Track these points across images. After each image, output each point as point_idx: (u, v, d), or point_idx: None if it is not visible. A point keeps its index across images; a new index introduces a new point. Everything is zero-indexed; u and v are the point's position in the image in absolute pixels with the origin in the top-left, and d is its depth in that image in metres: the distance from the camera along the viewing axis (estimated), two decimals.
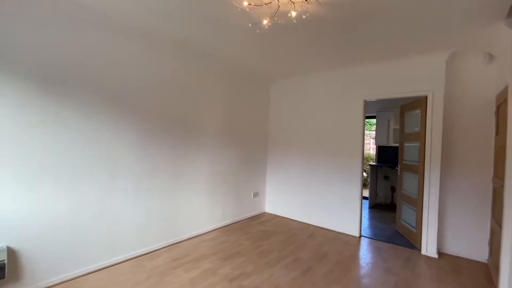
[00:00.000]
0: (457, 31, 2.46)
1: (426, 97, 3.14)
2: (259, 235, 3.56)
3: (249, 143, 4.27)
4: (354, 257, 2.96)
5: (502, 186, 2.23)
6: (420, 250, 3.16)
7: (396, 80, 3.29)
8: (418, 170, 3.27)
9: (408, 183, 3.60)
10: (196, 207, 3.41)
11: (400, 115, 3.92)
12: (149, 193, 2.85)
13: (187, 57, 3.20)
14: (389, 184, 5.65)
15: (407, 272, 2.63)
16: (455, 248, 3.07)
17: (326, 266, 2.70)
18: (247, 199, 4.28)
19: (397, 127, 5.19)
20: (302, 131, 4.24)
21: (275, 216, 4.49)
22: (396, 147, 5.40)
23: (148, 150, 2.82)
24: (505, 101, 2.41)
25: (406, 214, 3.62)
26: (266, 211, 4.68)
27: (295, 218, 4.31)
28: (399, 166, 3.87)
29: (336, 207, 3.82)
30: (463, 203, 3.00)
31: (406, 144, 3.70)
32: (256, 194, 4.45)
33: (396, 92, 3.29)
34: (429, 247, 3.03)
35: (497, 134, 2.70)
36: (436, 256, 2.99)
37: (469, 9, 2.08)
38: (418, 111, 3.35)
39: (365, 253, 3.08)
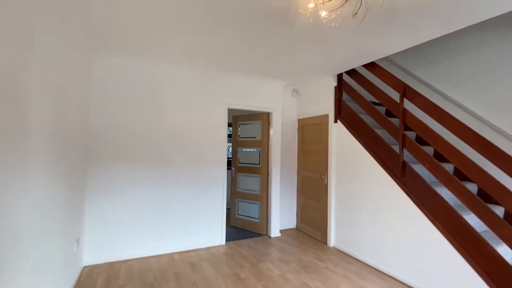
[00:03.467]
0: (293, 73, 3.56)
1: (268, 113, 4.00)
2: None
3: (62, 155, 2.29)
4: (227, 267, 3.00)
5: (324, 176, 3.68)
6: (267, 234, 3.95)
7: (252, 95, 3.78)
8: (261, 171, 4.04)
9: (245, 182, 4.23)
10: None
11: (233, 124, 4.45)
12: None
13: None
14: None
15: (267, 247, 3.28)
16: (283, 224, 4.26)
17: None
18: (60, 259, 2.27)
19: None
20: (150, 135, 3.16)
21: (116, 263, 2.85)
22: None
23: None
24: (307, 125, 3.99)
25: (244, 209, 4.23)
26: (96, 263, 2.77)
27: (149, 254, 3.09)
28: (233, 169, 4.38)
29: (201, 222, 3.42)
30: (284, 190, 4.27)
31: (242, 150, 4.31)
32: (77, 243, 2.49)
33: (252, 105, 3.78)
34: (273, 230, 3.92)
35: (302, 143, 4.26)
36: (279, 234, 3.95)
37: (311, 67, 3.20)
38: (257, 123, 4.12)
39: (236, 254, 3.21)
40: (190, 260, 3.05)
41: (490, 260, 1.96)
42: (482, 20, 1.96)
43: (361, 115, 3.34)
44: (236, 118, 4.38)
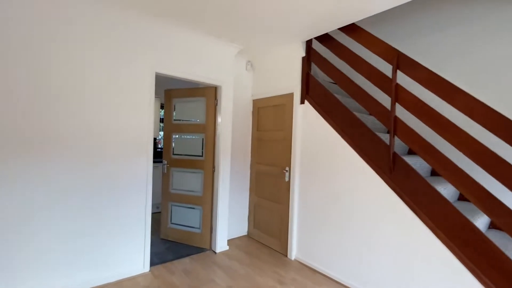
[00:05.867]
0: (248, 34, 2.66)
1: (216, 88, 2.99)
2: None
3: None
4: None
5: (286, 170, 2.91)
6: (211, 249, 2.99)
7: (192, 59, 2.70)
8: (205, 165, 3.03)
9: (182, 180, 3.16)
10: None
11: (166, 101, 3.27)
12: None
13: None
14: None
15: (211, 270, 2.39)
16: (231, 231, 3.34)
17: None
18: None
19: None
20: (19, 110, 1.80)
21: None
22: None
23: None
24: (264, 107, 3.21)
25: (180, 216, 3.16)
26: None
27: None
28: (165, 162, 3.23)
29: (110, 243, 2.23)
30: (233, 188, 3.35)
31: (178, 136, 3.20)
32: None
33: (192, 73, 2.70)
34: (219, 243, 2.98)
35: (258, 130, 3.40)
36: (227, 247, 3.03)
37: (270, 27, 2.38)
38: (200, 100, 3.07)
39: (165, 286, 2.22)
40: None
41: None
42: None
43: (336, 95, 2.64)
44: (170, 93, 3.23)
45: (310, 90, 2.73)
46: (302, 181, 2.77)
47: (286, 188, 2.93)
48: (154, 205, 4.32)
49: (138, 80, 2.34)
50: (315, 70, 3.34)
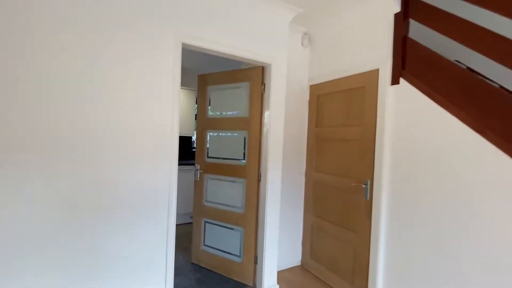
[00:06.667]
0: None
1: (263, 68, 2.19)
2: None
3: None
4: None
5: (365, 185, 1.98)
6: (254, 285, 2.22)
7: (232, 25, 1.92)
8: (247, 171, 2.25)
9: (219, 190, 2.43)
10: None
11: (199, 89, 2.58)
12: None
13: None
14: None
15: None
16: (280, 260, 2.53)
17: None
18: None
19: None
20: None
21: None
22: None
23: None
24: (328, 94, 2.33)
25: (215, 237, 2.44)
26: None
27: None
28: (198, 167, 2.55)
29: (115, 284, 1.58)
30: (282, 202, 2.52)
31: (214, 134, 2.48)
32: None
33: (232, 46, 1.93)
34: (267, 278, 2.18)
35: (316, 126, 2.51)
36: (276, 286, 2.22)
37: None
38: (242, 86, 2.30)
39: None
40: None
41: None
42: None
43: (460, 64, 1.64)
44: (205, 79, 2.53)
45: (409, 63, 1.76)
46: (394, 203, 1.82)
47: (364, 210, 2.00)
48: (187, 214, 3.72)
49: (157, 55, 1.64)
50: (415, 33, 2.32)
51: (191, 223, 3.70)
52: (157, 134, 1.66)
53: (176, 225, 3.75)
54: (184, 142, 4.25)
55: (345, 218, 2.18)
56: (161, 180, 1.68)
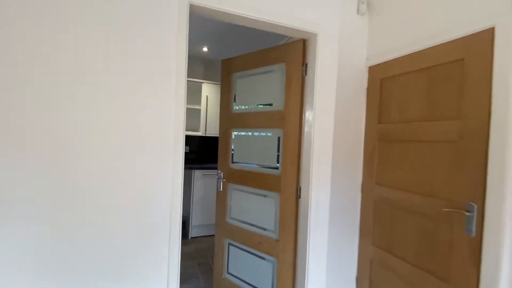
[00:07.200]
0: None
1: (304, 41, 1.60)
2: None
3: None
4: None
5: (468, 212, 1.25)
6: None
7: None
8: (282, 183, 1.68)
9: (245, 206, 1.90)
10: None
11: (223, 78, 2.08)
12: None
13: None
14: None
15: None
16: None
17: None
18: None
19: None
20: None
21: None
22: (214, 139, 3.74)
23: None
24: (397, 76, 1.60)
25: (241, 265, 1.91)
26: None
27: None
28: (220, 174, 2.05)
29: None
30: (331, 227, 1.88)
31: (242, 134, 1.96)
32: None
33: (260, 8, 1.37)
34: None
35: (380, 122, 1.83)
36: None
37: None
38: (275, 69, 1.73)
39: None
40: None
41: None
42: None
43: None
44: (229, 64, 2.01)
45: None
46: None
47: (466, 251, 1.27)
48: (211, 225, 3.28)
49: (153, 21, 1.16)
50: None
51: (212, 235, 3.25)
52: (153, 135, 1.18)
53: (203, 236, 3.35)
54: (212, 144, 3.83)
55: (428, 257, 1.47)
56: (165, 187, 1.20)
